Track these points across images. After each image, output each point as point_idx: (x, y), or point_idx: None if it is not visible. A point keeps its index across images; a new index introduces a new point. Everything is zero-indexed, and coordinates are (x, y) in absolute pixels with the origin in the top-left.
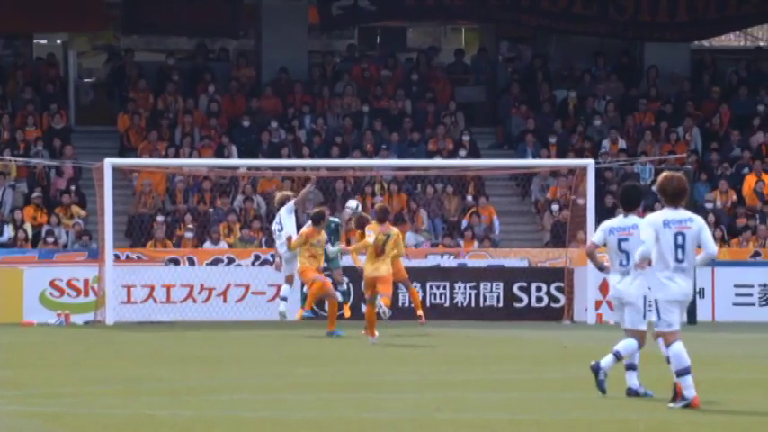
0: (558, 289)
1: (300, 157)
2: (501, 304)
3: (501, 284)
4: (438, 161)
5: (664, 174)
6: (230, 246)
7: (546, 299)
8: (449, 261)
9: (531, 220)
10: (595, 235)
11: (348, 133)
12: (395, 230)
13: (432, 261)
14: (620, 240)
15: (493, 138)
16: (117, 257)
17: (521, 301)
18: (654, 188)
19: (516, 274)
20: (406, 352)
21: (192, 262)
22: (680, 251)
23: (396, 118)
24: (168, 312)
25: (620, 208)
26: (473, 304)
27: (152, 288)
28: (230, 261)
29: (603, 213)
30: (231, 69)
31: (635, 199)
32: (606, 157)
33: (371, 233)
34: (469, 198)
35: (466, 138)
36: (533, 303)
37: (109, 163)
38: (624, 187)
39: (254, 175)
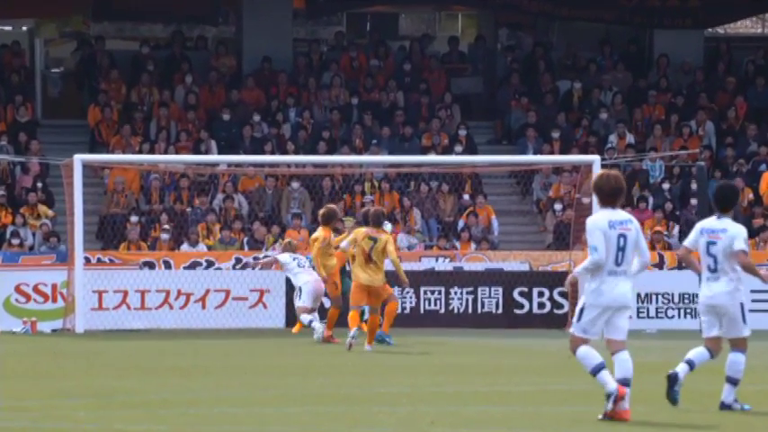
0: (562, 294)
1: (285, 152)
2: (500, 311)
3: (500, 290)
4: (432, 157)
5: (599, 172)
6: (209, 248)
7: (548, 305)
8: (444, 264)
9: (532, 220)
10: (688, 237)
11: (336, 127)
12: (384, 237)
13: (426, 264)
14: (708, 243)
15: (491, 132)
16: (87, 261)
17: (521, 307)
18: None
19: (516, 278)
20: (398, 362)
21: (168, 265)
22: (620, 254)
23: (387, 111)
24: (143, 319)
25: (714, 208)
26: (470, 311)
27: (125, 293)
28: (209, 264)
29: None
30: (210, 59)
31: (732, 199)
32: (613, 153)
33: (348, 239)
34: (466, 197)
35: (462, 132)
36: (535, 310)
37: (78, 159)
38: (720, 186)
39: (234, 173)
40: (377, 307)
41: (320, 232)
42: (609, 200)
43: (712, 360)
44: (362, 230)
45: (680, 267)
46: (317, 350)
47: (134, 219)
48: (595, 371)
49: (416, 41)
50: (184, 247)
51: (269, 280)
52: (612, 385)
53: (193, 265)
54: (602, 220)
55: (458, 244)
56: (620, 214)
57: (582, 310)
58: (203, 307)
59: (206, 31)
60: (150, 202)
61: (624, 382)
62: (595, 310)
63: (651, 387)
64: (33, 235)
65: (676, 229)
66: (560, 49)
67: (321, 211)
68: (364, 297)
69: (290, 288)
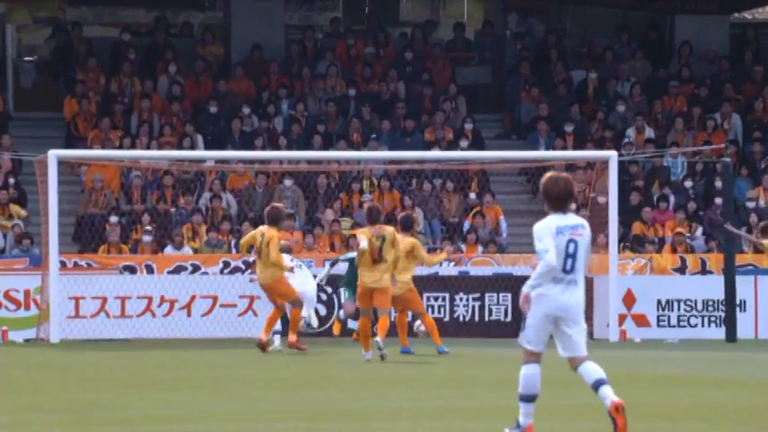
0: None
1: (277, 148)
2: (509, 318)
3: (509, 296)
4: (436, 153)
5: (547, 175)
6: (195, 251)
7: None
8: (449, 269)
9: None
10: None
11: (332, 121)
12: (389, 230)
13: (429, 269)
14: None
15: (499, 126)
16: (63, 264)
17: None
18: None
19: None
20: (398, 373)
21: (150, 270)
22: (570, 260)
23: (387, 103)
24: (123, 328)
25: None
26: (477, 318)
27: (104, 300)
28: (195, 269)
29: (627, 213)
30: (196, 46)
31: None
32: (631, 148)
33: (362, 237)
34: (472, 196)
35: (468, 126)
36: None
37: (53, 155)
38: None
39: (222, 170)
40: (385, 309)
41: (273, 231)
42: (558, 204)
43: None
44: (368, 230)
45: (703, 272)
46: (312, 361)
47: (114, 219)
48: (523, 399)
49: (419, 28)
50: (168, 249)
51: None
52: (526, 421)
53: (178, 270)
54: (549, 225)
55: (463, 247)
56: (571, 219)
57: (526, 319)
58: (188, 315)
59: (191, 17)
60: (131, 201)
61: (599, 383)
62: (536, 318)
63: (674, 401)
64: (4, 237)
65: (699, 231)
66: (574, 37)
67: (267, 210)
68: (370, 300)
69: None
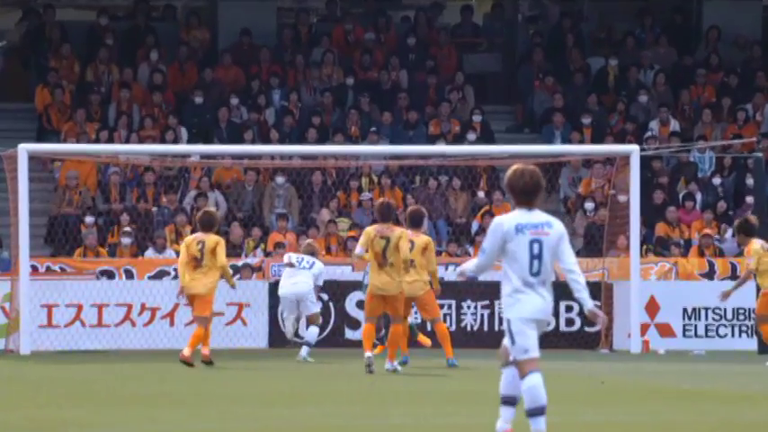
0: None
1: (268, 142)
2: None
3: None
4: (441, 147)
5: (513, 167)
6: (179, 254)
7: (578, 321)
8: (455, 274)
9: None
10: None
11: (328, 112)
12: (397, 232)
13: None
14: None
15: (511, 118)
16: (34, 269)
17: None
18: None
19: None
20: (401, 388)
21: (130, 275)
22: (536, 262)
23: (388, 93)
24: (100, 339)
25: None
26: (486, 328)
27: (79, 308)
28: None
29: (650, 213)
30: (179, 31)
31: None
32: (654, 142)
33: (360, 242)
34: (481, 194)
35: (477, 118)
36: (562, 327)
37: (24, 149)
38: None
39: (209, 165)
40: (398, 316)
41: (215, 237)
42: (523, 200)
43: None
44: (373, 229)
45: (733, 277)
46: (306, 374)
47: (90, 220)
48: (535, 412)
49: (423, 11)
50: (149, 253)
51: (249, 292)
52: (504, 426)
53: (160, 275)
54: (506, 222)
55: (471, 249)
56: (537, 216)
57: (511, 330)
58: (171, 324)
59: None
60: (109, 200)
61: (536, 412)
62: (520, 323)
63: (701, 418)
64: None
65: (729, 233)
66: (592, 21)
67: (199, 216)
68: (380, 306)
69: (275, 302)
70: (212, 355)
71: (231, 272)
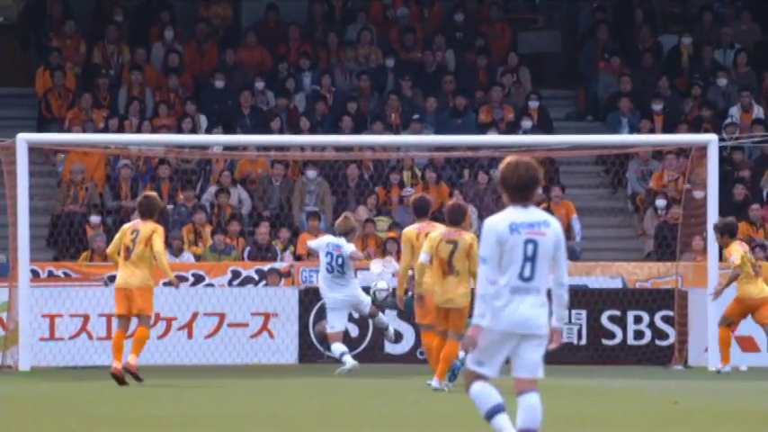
0: (666, 320)
1: (298, 131)
2: (584, 341)
3: (583, 313)
4: (493, 137)
5: (507, 159)
6: (198, 258)
7: (648, 334)
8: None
9: (625, 221)
10: None
11: (365, 98)
12: (468, 237)
13: None
14: None
15: (572, 104)
16: (35, 275)
17: (612, 336)
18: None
19: (606, 298)
20: (450, 408)
21: None
22: (528, 265)
23: (432, 76)
24: (108, 353)
25: None
26: None
27: (85, 318)
28: (198, 280)
29: (730, 211)
30: (198, 7)
31: None
32: (734, 130)
33: (425, 247)
34: (538, 190)
35: (533, 104)
36: (630, 340)
37: (23, 139)
38: None
39: (231, 157)
40: (458, 333)
41: (152, 225)
42: (517, 196)
43: None
44: (438, 233)
45: None
46: (341, 393)
47: (96, 219)
48: (490, 414)
49: None
50: None
51: (276, 300)
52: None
53: None
54: (500, 222)
55: None
56: (533, 214)
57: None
58: (189, 336)
59: None
60: (119, 197)
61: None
62: (491, 336)
63: None
64: None
65: None
66: None
67: (139, 200)
68: (445, 321)
69: (304, 311)
70: (236, 370)
71: (170, 271)
